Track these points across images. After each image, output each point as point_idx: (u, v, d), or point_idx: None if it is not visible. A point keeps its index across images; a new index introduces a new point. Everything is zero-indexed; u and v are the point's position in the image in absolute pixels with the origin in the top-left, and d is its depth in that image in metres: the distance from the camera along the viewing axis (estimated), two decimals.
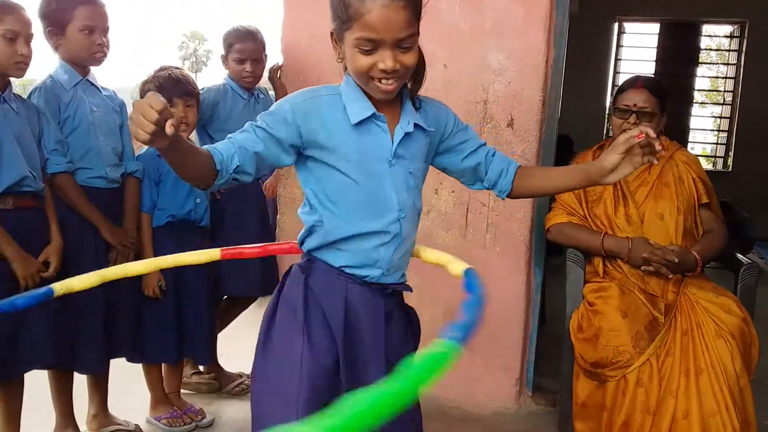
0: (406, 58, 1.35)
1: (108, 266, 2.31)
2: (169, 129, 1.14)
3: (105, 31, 2.33)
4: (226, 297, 2.97)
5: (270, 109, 1.43)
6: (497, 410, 2.84)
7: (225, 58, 2.94)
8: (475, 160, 1.59)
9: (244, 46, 2.87)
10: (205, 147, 1.33)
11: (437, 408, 2.81)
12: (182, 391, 2.81)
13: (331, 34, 1.41)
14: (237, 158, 1.33)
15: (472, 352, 2.84)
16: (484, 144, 1.61)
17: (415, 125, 1.45)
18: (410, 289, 1.55)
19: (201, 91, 2.88)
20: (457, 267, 1.38)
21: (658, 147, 1.43)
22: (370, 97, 1.42)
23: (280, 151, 1.39)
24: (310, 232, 1.48)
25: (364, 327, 1.45)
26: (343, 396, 1.36)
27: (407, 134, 1.44)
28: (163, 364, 2.66)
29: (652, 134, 1.43)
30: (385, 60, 1.32)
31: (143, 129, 1.13)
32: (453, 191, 2.79)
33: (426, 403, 2.84)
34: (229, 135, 1.39)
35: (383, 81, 1.36)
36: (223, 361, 3.01)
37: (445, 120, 1.55)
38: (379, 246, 1.44)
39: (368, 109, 1.41)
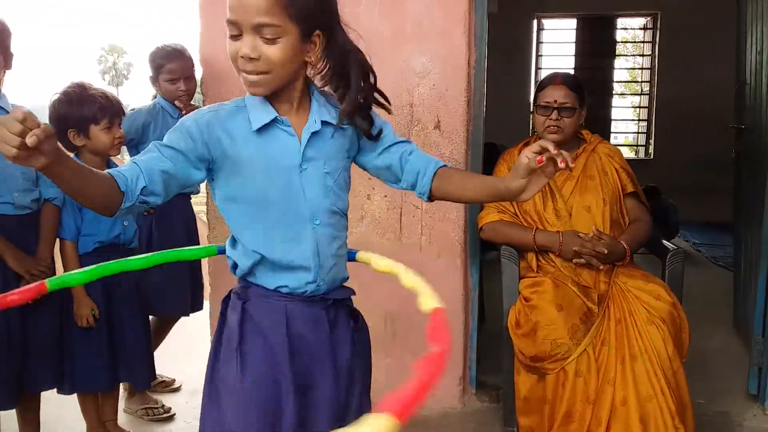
0: (269, 50, 1.29)
1: None
2: (29, 140, 1.03)
3: None
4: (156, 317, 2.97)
5: (174, 126, 1.38)
6: (443, 410, 2.84)
7: (155, 79, 2.87)
8: (387, 158, 1.53)
9: (175, 65, 2.83)
10: (107, 171, 1.25)
11: None
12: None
13: None
14: (143, 179, 1.27)
15: (415, 354, 2.84)
16: (405, 142, 1.55)
17: (324, 122, 1.41)
18: (353, 292, 1.54)
19: (131, 112, 2.84)
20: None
21: (561, 164, 1.32)
22: (275, 103, 1.39)
23: (188, 166, 1.34)
24: (235, 262, 1.46)
25: (310, 342, 1.43)
26: (294, 415, 1.37)
27: (315, 133, 1.40)
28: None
29: (552, 149, 1.32)
30: (243, 46, 1.29)
31: (8, 143, 1.03)
32: (386, 195, 2.78)
33: (372, 409, 2.84)
34: (133, 158, 1.33)
35: (245, 73, 1.31)
36: None
37: None
38: (299, 257, 1.41)
39: (269, 114, 1.37)
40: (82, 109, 2.31)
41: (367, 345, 1.61)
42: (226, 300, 1.50)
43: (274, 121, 1.38)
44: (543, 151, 1.33)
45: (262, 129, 1.37)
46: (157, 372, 3.04)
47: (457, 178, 1.54)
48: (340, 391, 1.45)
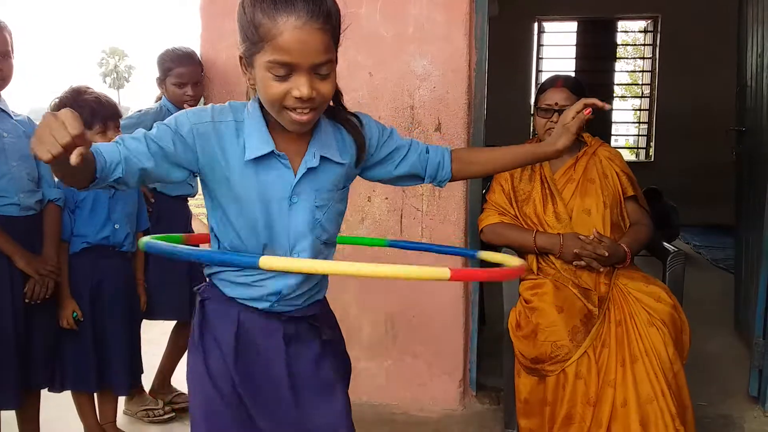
0: (323, 87, 1.26)
1: (25, 298, 2.24)
2: (75, 159, 1.02)
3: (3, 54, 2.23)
4: (176, 324, 2.99)
5: (169, 119, 1.32)
6: (443, 412, 2.84)
7: (162, 82, 2.84)
8: (407, 165, 1.55)
9: (184, 69, 2.77)
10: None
11: (384, 415, 2.80)
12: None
13: (240, 58, 1.31)
14: (120, 169, 1.23)
15: (416, 356, 2.85)
16: (413, 143, 1.56)
17: (323, 158, 1.37)
18: (317, 310, 1.50)
19: (138, 114, 2.84)
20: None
21: (601, 105, 1.55)
22: (275, 129, 1.34)
23: (170, 166, 1.30)
24: None
25: (261, 350, 1.41)
26: (251, 420, 1.36)
27: (312, 169, 1.36)
28: (95, 393, 2.55)
29: (599, 104, 1.54)
30: (300, 87, 1.22)
31: (49, 149, 1.02)
32: (386, 198, 2.79)
33: (372, 411, 2.85)
34: (118, 138, 1.28)
35: (297, 111, 1.26)
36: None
37: (369, 136, 1.48)
38: (263, 279, 1.39)
39: (267, 146, 1.32)
40: None
41: (342, 361, 1.57)
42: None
43: (271, 153, 1.33)
44: (584, 107, 1.54)
45: (258, 158, 1.32)
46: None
47: (476, 156, 1.64)
48: (299, 407, 1.42)
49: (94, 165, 1.19)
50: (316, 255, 1.41)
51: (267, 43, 1.21)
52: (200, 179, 1.38)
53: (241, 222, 1.36)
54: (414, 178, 1.60)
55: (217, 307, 1.43)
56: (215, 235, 1.41)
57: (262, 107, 1.35)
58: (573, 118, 1.53)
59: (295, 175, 1.35)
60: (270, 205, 1.35)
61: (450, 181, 1.61)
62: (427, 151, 1.58)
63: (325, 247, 1.44)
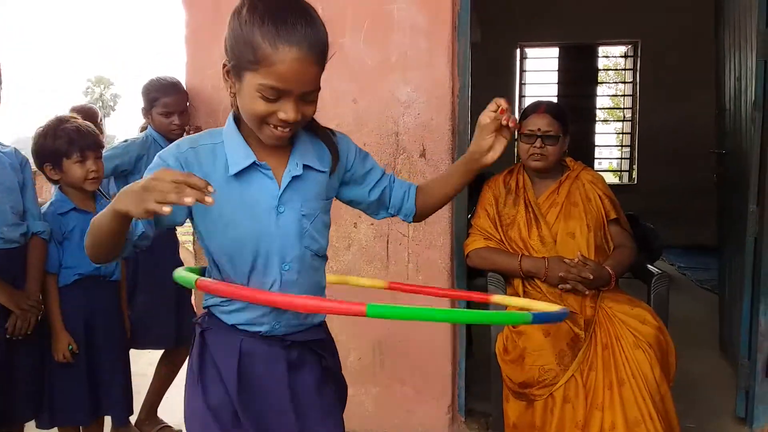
0: (307, 110, 1.31)
1: (6, 333, 2.20)
2: (210, 200, 1.09)
3: None
4: (163, 353, 2.98)
5: (154, 162, 1.34)
6: None
7: (147, 112, 2.85)
8: (378, 191, 1.58)
9: (170, 99, 2.79)
10: None
11: None
12: None
13: (224, 65, 1.33)
14: (140, 224, 1.26)
15: (403, 383, 2.83)
16: (385, 172, 1.61)
17: (305, 166, 1.40)
18: (323, 336, 1.51)
19: (124, 144, 2.84)
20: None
21: (509, 123, 1.44)
22: (252, 142, 1.37)
23: (176, 208, 1.28)
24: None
25: (264, 380, 1.41)
26: None
27: (296, 177, 1.39)
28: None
29: (505, 105, 1.44)
30: (287, 111, 1.27)
31: (165, 199, 1.08)
32: (372, 224, 2.79)
33: None
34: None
35: (279, 129, 1.31)
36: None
37: (346, 152, 1.52)
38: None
39: (248, 158, 1.35)
40: (54, 143, 2.33)
41: (342, 386, 1.60)
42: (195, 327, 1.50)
43: (253, 164, 1.36)
44: (497, 107, 1.44)
45: (240, 172, 1.35)
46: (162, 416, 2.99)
47: (433, 184, 1.63)
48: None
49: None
50: (306, 266, 1.42)
51: (263, 67, 1.24)
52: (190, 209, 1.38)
53: (228, 241, 1.36)
54: (381, 207, 1.62)
55: (218, 337, 1.43)
56: (211, 257, 1.42)
57: (236, 121, 1.39)
58: (492, 120, 1.47)
59: (280, 186, 1.37)
60: (257, 218, 1.36)
61: (415, 217, 1.62)
62: (394, 182, 1.61)
63: (316, 259, 1.45)
